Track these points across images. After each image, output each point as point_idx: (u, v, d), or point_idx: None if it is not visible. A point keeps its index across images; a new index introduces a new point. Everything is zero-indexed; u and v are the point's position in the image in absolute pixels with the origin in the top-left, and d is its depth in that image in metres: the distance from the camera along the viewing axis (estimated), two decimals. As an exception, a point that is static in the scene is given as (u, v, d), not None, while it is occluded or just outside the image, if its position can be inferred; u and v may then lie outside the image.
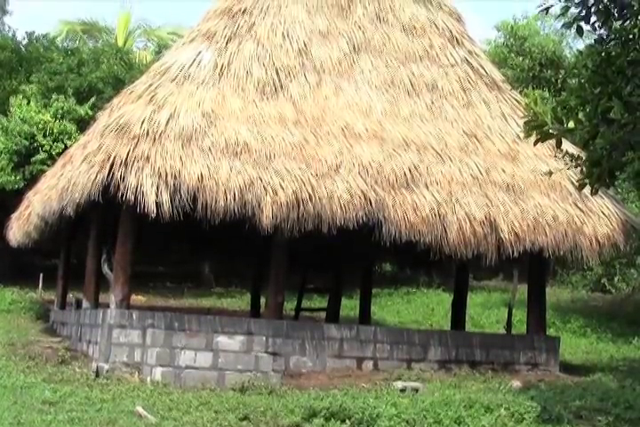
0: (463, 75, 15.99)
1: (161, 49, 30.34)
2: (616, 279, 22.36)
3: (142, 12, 62.09)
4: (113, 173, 12.00)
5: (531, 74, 24.84)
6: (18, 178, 22.22)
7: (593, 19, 6.37)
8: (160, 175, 12.03)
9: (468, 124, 15.23)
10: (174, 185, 12.05)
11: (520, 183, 14.35)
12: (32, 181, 19.83)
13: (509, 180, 14.34)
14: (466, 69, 16.10)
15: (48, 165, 20.60)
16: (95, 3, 60.07)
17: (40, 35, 28.66)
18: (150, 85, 13.69)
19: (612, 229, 14.51)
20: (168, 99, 13.25)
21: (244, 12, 15.14)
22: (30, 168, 22.29)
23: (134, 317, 12.63)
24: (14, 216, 18.03)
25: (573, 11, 6.38)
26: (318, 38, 15.26)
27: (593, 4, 6.29)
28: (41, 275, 22.94)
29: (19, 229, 17.34)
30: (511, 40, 27.80)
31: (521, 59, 25.63)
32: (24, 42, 28.15)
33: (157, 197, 11.87)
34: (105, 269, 14.20)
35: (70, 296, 18.28)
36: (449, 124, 15.03)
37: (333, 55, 15.13)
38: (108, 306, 13.13)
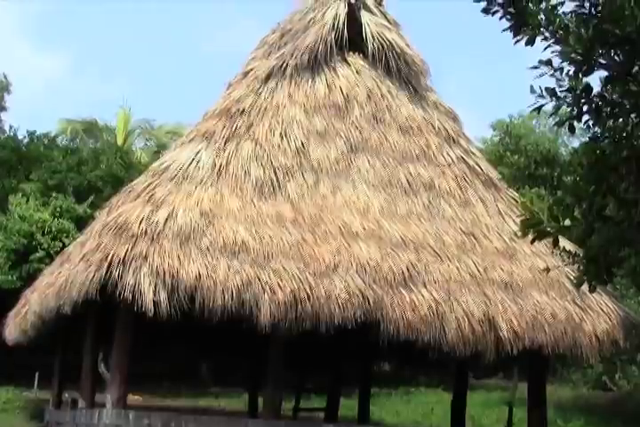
0: (460, 174, 16.16)
1: (160, 148, 30.69)
2: (617, 377, 22.19)
3: (142, 108, 62.95)
4: (111, 272, 12.01)
5: (526, 172, 25.11)
6: (15, 277, 22.20)
7: (585, 117, 6.47)
8: (158, 274, 12.04)
9: (465, 222, 15.31)
10: (172, 284, 12.05)
11: (518, 281, 14.33)
12: (30, 279, 19.79)
13: (507, 278, 14.33)
14: (462, 168, 16.27)
15: (46, 264, 20.61)
16: (96, 99, 61.13)
17: (41, 134, 29.04)
18: (149, 185, 13.81)
19: (612, 325, 14.43)
20: (167, 198, 13.36)
21: (242, 112, 15.38)
22: (28, 267, 22.30)
23: (130, 417, 12.46)
24: (11, 314, 17.92)
25: (566, 109, 6.48)
26: (316, 138, 15.47)
27: (584, 104, 6.39)
28: (37, 373, 22.72)
29: (15, 327, 17.21)
30: (506, 139, 28.18)
31: (516, 157, 25.95)
32: (25, 140, 28.49)
33: (155, 296, 11.87)
34: (101, 368, 14.08)
35: (66, 396, 18.05)
36: (446, 223, 15.11)
37: (331, 155, 15.31)
38: (104, 405, 12.96)
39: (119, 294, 11.96)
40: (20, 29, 66.30)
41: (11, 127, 30.48)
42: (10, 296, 19.65)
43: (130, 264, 12.08)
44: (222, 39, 72.05)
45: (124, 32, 65.29)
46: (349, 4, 17.10)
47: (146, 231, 12.55)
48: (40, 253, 22.40)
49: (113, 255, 12.13)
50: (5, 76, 37.33)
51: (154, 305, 11.82)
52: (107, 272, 12.01)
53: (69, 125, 37.16)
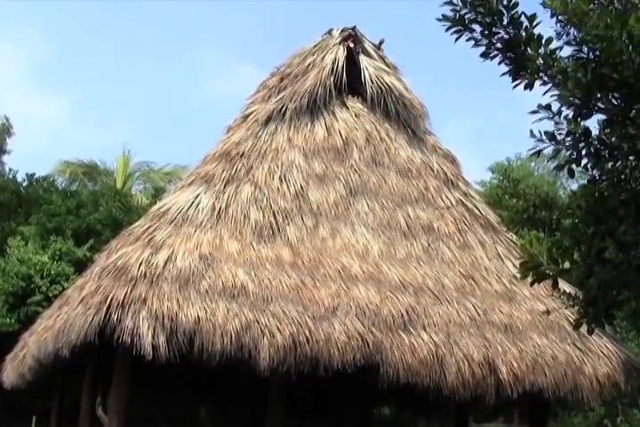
0: (459, 216, 16.19)
1: (159, 191, 30.72)
2: (619, 420, 22.01)
3: (141, 151, 63.34)
4: (109, 315, 11.98)
5: (525, 215, 25.18)
6: (13, 320, 22.10)
7: (584, 161, 6.49)
8: (157, 318, 12.01)
9: (464, 265, 15.31)
10: (171, 327, 12.01)
11: (518, 324, 14.30)
12: (28, 322, 19.71)
13: (507, 320, 14.29)
14: (461, 211, 16.31)
15: (44, 307, 20.53)
16: (95, 142, 61.40)
17: (40, 177, 29.09)
18: (148, 227, 13.83)
19: (613, 368, 14.37)
20: (166, 241, 13.37)
21: (242, 155, 15.45)
22: (26, 309, 22.19)
23: (128, 462, 12.37)
24: (8, 357, 17.85)
25: (565, 153, 6.50)
26: (315, 181, 15.52)
27: (583, 147, 6.41)
28: (34, 418, 22.53)
29: (13, 370, 17.14)
30: (505, 182, 28.29)
31: (515, 200, 26.05)
32: (24, 183, 28.52)
33: (154, 339, 11.82)
34: (99, 411, 14.00)
35: (63, 441, 17.93)
36: (446, 266, 15.11)
37: (330, 198, 15.34)
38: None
39: (118, 338, 11.91)
40: (22, 73, 66.83)
41: (10, 170, 30.55)
42: (8, 339, 19.57)
43: (129, 307, 12.05)
44: (221, 83, 72.57)
45: (123, 76, 65.84)
46: (348, 49, 17.27)
47: (145, 274, 12.54)
48: (38, 297, 22.31)
49: (112, 298, 12.10)
50: (7, 119, 37.46)
51: (152, 348, 11.78)
52: (105, 315, 11.98)
53: (68, 168, 37.22)
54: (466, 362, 13.29)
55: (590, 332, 7.39)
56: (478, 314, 14.17)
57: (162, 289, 12.41)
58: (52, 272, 22.79)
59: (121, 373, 13.00)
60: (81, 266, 22.02)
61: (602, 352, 14.52)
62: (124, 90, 64.73)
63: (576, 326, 7.50)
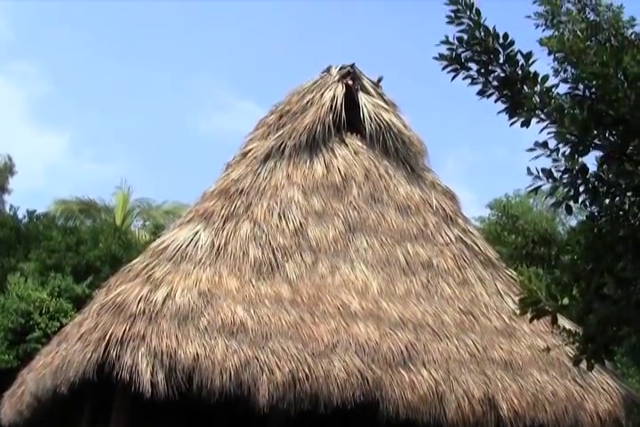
0: (458, 253, 16.18)
1: (159, 228, 30.71)
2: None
3: (140, 187, 63.50)
4: (108, 352, 11.96)
5: (524, 251, 25.03)
6: (12, 357, 21.99)
7: (582, 197, 6.49)
8: (156, 355, 11.98)
9: (464, 301, 15.29)
10: (170, 364, 11.98)
11: (518, 360, 14.26)
12: (26, 359, 19.62)
13: (507, 356, 14.25)
14: (461, 247, 16.32)
15: (43, 344, 20.43)
16: (94, 179, 61.52)
17: (40, 213, 29.13)
18: (147, 264, 13.85)
19: (613, 404, 14.31)
20: (165, 278, 13.38)
21: (241, 192, 15.48)
22: (25, 346, 22.09)
23: None
24: (6, 395, 17.73)
25: (562, 190, 6.50)
26: (314, 218, 15.53)
27: (581, 184, 6.42)
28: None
29: (11, 407, 17.00)
30: (504, 218, 28.26)
31: (514, 236, 25.94)
32: (24, 220, 28.55)
33: (153, 376, 11.80)
34: (98, 450, 13.91)
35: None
36: (445, 302, 15.08)
37: (329, 235, 15.35)
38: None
39: (116, 375, 11.89)
40: (21, 109, 67.05)
41: (11, 207, 30.62)
42: (6, 376, 19.45)
43: (127, 344, 12.03)
44: (221, 119, 72.82)
45: (122, 113, 66.04)
46: (347, 86, 17.38)
47: (144, 311, 12.54)
48: (37, 333, 22.22)
49: (111, 335, 12.08)
50: (10, 158, 37.54)
51: (151, 385, 11.75)
52: (104, 352, 11.95)
53: (62, 206, 37.15)
54: (466, 399, 13.23)
55: (590, 368, 7.36)
56: (478, 350, 14.13)
57: (161, 326, 12.39)
58: (51, 309, 22.71)
59: (120, 410, 12.96)
60: (80, 302, 21.96)
61: (602, 388, 14.47)
62: (123, 126, 64.87)
63: (576, 363, 7.48)
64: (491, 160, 64.77)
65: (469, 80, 6.51)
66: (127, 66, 67.48)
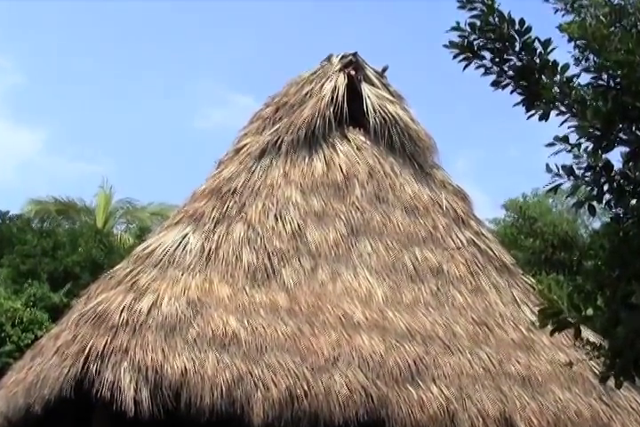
0: (471, 258, 16.18)
1: (144, 231, 30.69)
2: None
3: (124, 187, 63.48)
4: (88, 367, 11.95)
5: (543, 256, 25.02)
6: (-19, 372, 22.00)
7: (606, 197, 6.46)
8: (140, 369, 11.98)
9: (477, 311, 15.27)
10: (155, 380, 11.98)
11: (537, 375, 14.24)
12: (-3, 375, 19.63)
13: (525, 372, 14.23)
14: (473, 252, 16.32)
15: (15, 358, 20.43)
16: (74, 178, 61.51)
17: (13, 215, 29.10)
18: (131, 271, 13.87)
19: (643, 424, 14.31)
20: (150, 285, 13.40)
21: (233, 192, 15.50)
22: (-4, 361, 22.11)
23: None
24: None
25: (585, 189, 6.47)
26: (313, 220, 15.55)
27: (605, 182, 6.39)
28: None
29: (-21, 429, 17.02)
30: (520, 220, 28.26)
31: (532, 240, 25.94)
32: (-3, 222, 28.52)
33: (136, 393, 11.79)
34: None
35: None
36: (457, 312, 15.06)
37: (330, 238, 15.36)
38: None
39: (96, 392, 11.87)
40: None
41: (-19, 208, 30.58)
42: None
43: (109, 358, 12.03)
44: (213, 114, 72.78)
45: (106, 109, 65.85)
46: (349, 76, 17.37)
47: (127, 322, 12.55)
48: (9, 347, 22.22)
49: (90, 348, 12.08)
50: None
51: (135, 404, 11.73)
52: (83, 367, 11.95)
53: (37, 207, 37.07)
54: (480, 418, 13.22)
55: (619, 385, 7.32)
56: (493, 365, 14.13)
57: (145, 338, 12.40)
58: (25, 319, 22.70)
59: (100, 430, 12.93)
60: (57, 313, 21.95)
61: (631, 407, 14.45)
62: (107, 122, 64.71)
63: (602, 380, 7.45)
64: (505, 158, 64.74)
65: (482, 70, 6.50)
66: (113, 60, 67.47)
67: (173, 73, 68.75)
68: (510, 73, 6.43)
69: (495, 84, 6.51)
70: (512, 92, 6.47)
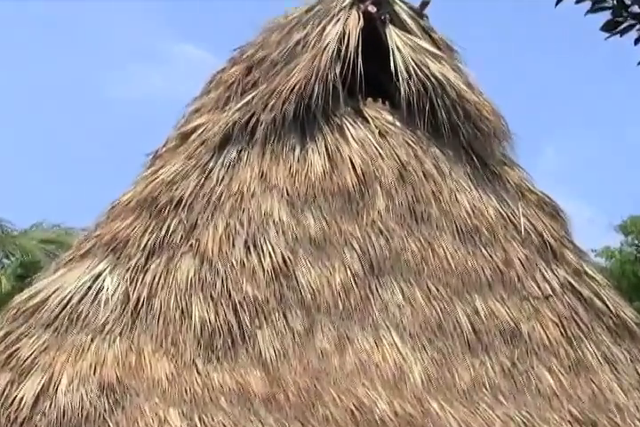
0: (567, 313, 15.95)
1: (28, 269, 30.88)
2: None
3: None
4: None
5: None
6: None
7: None
8: None
9: (578, 401, 15.05)
10: None
11: None
12: None
13: None
14: (572, 303, 16.20)
15: None
16: None
17: None
18: (6, 335, 13.75)
19: None
20: (39, 360, 13.34)
21: (177, 205, 15.45)
22: None
23: None
24: None
25: None
26: (308, 251, 15.27)
27: None
28: None
29: None
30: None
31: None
32: None
33: None
34: None
35: None
36: (545, 403, 14.81)
37: (335, 280, 15.16)
38: None
39: None
40: None
41: None
42: None
43: None
44: (141, 78, 73.43)
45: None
46: (367, 15, 17.11)
47: (-1, 420, 12.39)
48: None
49: None
50: None
51: None
52: None
53: None
54: None
55: None
56: None
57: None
58: None
59: None
60: None
61: None
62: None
63: None
64: (620, 150, 64.98)
65: (588, 3, 6.41)
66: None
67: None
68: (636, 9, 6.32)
69: (609, 26, 6.47)
70: (637, 43, 6.39)
